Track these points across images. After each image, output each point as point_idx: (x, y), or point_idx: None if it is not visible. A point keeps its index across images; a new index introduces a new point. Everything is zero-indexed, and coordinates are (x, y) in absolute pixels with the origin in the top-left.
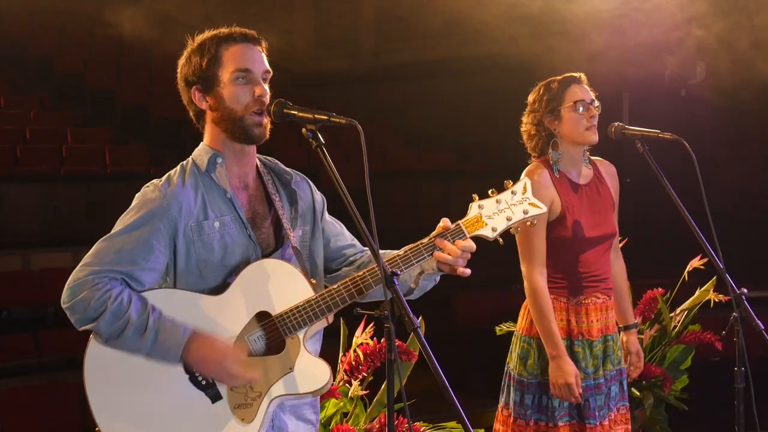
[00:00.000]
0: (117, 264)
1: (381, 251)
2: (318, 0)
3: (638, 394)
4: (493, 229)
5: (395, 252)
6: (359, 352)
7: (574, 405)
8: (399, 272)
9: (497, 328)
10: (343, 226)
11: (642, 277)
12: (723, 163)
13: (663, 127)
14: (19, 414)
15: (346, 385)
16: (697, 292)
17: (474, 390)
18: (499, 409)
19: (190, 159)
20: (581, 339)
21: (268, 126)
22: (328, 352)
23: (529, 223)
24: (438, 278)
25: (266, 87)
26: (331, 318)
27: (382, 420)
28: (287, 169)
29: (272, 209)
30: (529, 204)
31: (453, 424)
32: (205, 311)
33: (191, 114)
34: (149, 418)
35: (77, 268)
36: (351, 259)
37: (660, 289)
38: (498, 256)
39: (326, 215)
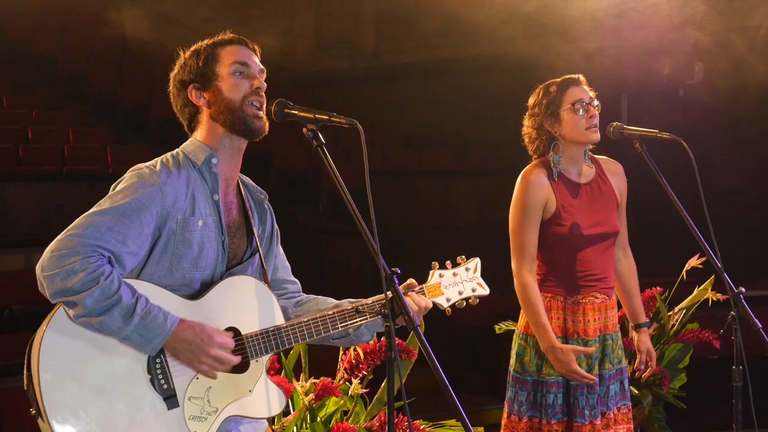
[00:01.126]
0: (108, 242)
1: (326, 297)
2: (318, 1)
3: (637, 392)
4: (447, 299)
5: (349, 301)
6: (359, 350)
7: (567, 403)
8: (399, 271)
9: (496, 327)
10: (289, 265)
11: (641, 276)
12: (721, 163)
13: (661, 127)
14: (21, 412)
15: (347, 383)
16: (695, 291)
17: (473, 388)
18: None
19: (180, 152)
20: (576, 338)
21: (266, 122)
22: (329, 351)
23: (471, 300)
24: (374, 335)
25: (263, 83)
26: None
27: (383, 418)
28: (259, 188)
29: (247, 221)
30: (477, 284)
31: (452, 422)
32: (178, 313)
33: (184, 119)
34: (99, 411)
35: (62, 236)
36: (290, 294)
37: (658, 288)
38: (497, 255)
39: (279, 246)
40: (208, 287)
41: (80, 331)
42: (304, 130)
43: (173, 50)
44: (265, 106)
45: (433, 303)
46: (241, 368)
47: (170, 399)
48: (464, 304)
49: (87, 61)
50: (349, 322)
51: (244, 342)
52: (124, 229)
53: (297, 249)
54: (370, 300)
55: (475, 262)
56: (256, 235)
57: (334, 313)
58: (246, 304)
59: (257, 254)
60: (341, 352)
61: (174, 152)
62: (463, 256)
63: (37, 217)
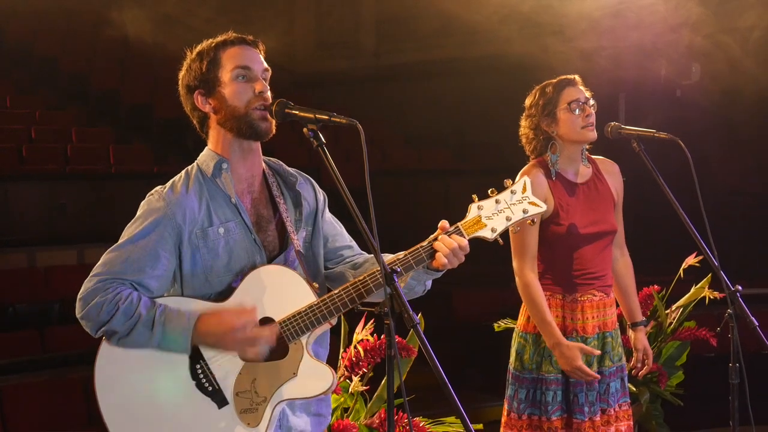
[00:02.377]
0: (125, 273)
1: (383, 254)
2: (319, 2)
3: (634, 389)
4: (493, 230)
5: (394, 255)
6: (359, 348)
7: (566, 400)
8: (399, 269)
9: (495, 325)
10: (342, 226)
11: (638, 275)
12: (717, 162)
13: (659, 127)
14: (25, 408)
15: (347, 380)
16: (692, 290)
17: (472, 386)
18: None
19: (194, 165)
20: (575, 336)
21: (273, 121)
22: (329, 348)
23: (529, 222)
24: (426, 284)
25: (267, 86)
26: (333, 321)
27: (382, 415)
28: (291, 170)
29: (277, 212)
30: (529, 203)
31: (452, 419)
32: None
33: (195, 122)
34: (158, 425)
35: (87, 279)
36: (348, 260)
37: (656, 287)
38: (497, 253)
39: (327, 214)
40: (233, 288)
41: (123, 359)
42: (305, 129)
43: (175, 50)
44: (270, 105)
45: (476, 238)
46: (281, 354)
47: (219, 399)
48: (518, 229)
49: (89, 62)
50: (375, 288)
51: (279, 328)
52: (137, 257)
53: None
54: (402, 254)
55: (523, 182)
56: (288, 223)
57: (364, 277)
58: (273, 292)
59: (291, 243)
60: (341, 350)
61: (189, 167)
62: (510, 180)
63: (40, 215)
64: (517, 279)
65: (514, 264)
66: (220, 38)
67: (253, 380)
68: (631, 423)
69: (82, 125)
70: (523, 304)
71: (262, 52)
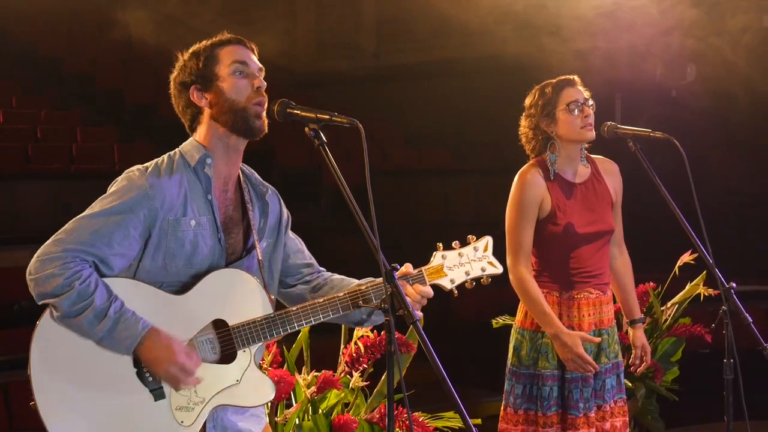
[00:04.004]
0: (91, 245)
1: (343, 277)
2: (319, 3)
3: (630, 385)
4: (452, 281)
5: (356, 284)
6: (360, 344)
7: (562, 396)
8: (399, 267)
9: (494, 322)
10: (303, 244)
11: (634, 272)
12: (713, 161)
13: (654, 127)
14: (30, 404)
15: (348, 376)
16: (687, 287)
17: (471, 381)
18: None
19: (177, 151)
20: None
21: (266, 121)
22: (330, 345)
23: (483, 280)
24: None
25: (264, 83)
26: (281, 336)
27: (383, 410)
28: (263, 181)
29: (245, 217)
30: (488, 262)
31: (451, 414)
32: (164, 308)
33: (186, 120)
34: (89, 406)
35: (49, 241)
36: (307, 278)
37: (651, 284)
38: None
39: (290, 232)
40: (194, 283)
41: (67, 333)
42: (306, 129)
43: (177, 51)
44: (266, 104)
45: (436, 285)
46: (228, 359)
47: (156, 391)
48: (474, 284)
49: (93, 62)
50: (341, 311)
51: (231, 333)
52: (109, 231)
53: None
54: (365, 285)
55: (485, 241)
56: (254, 230)
57: (324, 301)
58: (233, 296)
59: (255, 249)
60: (342, 346)
61: (172, 152)
62: (473, 236)
63: (45, 214)
64: (510, 275)
65: (508, 261)
66: (216, 38)
67: None
68: (627, 419)
69: (87, 125)
70: (521, 301)
71: (256, 54)
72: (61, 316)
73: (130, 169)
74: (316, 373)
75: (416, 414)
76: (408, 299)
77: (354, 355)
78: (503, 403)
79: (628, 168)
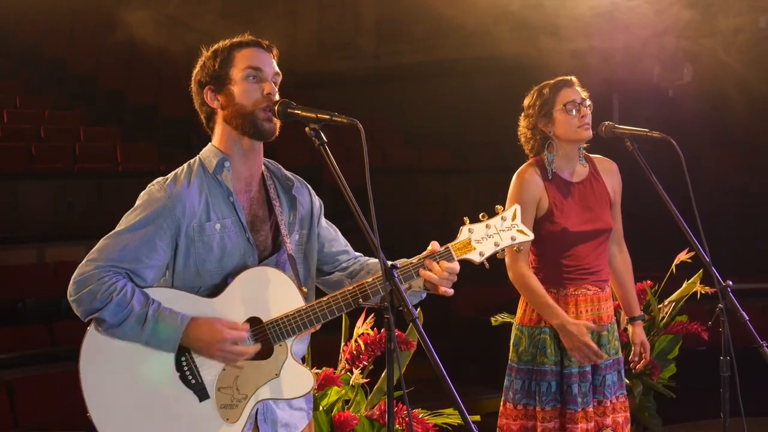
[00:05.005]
0: (121, 261)
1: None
2: (320, 5)
3: (628, 381)
4: (481, 254)
5: (399, 262)
6: (360, 341)
7: (560, 391)
8: (399, 265)
9: (493, 319)
10: (338, 231)
11: (632, 270)
12: (709, 161)
13: (651, 126)
14: (35, 401)
15: (348, 373)
16: (684, 285)
17: (470, 378)
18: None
19: (197, 159)
20: None
21: (278, 123)
22: (330, 343)
23: (515, 248)
24: (424, 295)
25: (275, 89)
26: (318, 326)
27: (383, 407)
28: (289, 174)
29: (272, 214)
30: (518, 231)
31: (450, 410)
32: (201, 311)
33: (202, 117)
34: (138, 411)
35: (82, 263)
36: (344, 264)
37: (649, 282)
38: None
39: (323, 220)
40: (227, 285)
41: (109, 346)
42: (307, 129)
43: (179, 52)
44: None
45: (465, 260)
46: (265, 354)
47: (200, 392)
48: (504, 254)
49: (96, 63)
50: (371, 296)
51: (265, 329)
52: (135, 246)
53: None
54: (410, 260)
55: (513, 209)
56: (282, 226)
57: (354, 288)
58: (264, 293)
59: (284, 245)
60: (342, 344)
61: (192, 160)
62: (501, 206)
63: (49, 213)
64: (509, 272)
65: (507, 259)
66: (236, 39)
67: (236, 377)
68: (628, 414)
69: (90, 125)
70: (521, 297)
71: (275, 57)
72: (106, 327)
73: (152, 182)
74: (317, 370)
75: (416, 411)
76: (435, 276)
77: (354, 352)
78: (503, 398)
79: (625, 167)
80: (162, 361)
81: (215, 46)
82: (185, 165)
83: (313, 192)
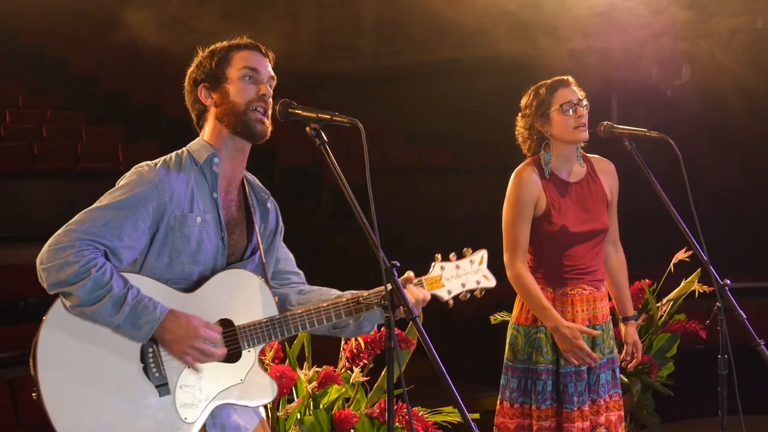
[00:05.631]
0: (102, 237)
1: (330, 288)
2: (321, 6)
3: (626, 380)
4: (449, 292)
5: (357, 292)
6: (360, 340)
7: (556, 390)
8: (398, 264)
9: (491, 318)
10: (293, 256)
11: (630, 269)
12: (707, 160)
13: (650, 126)
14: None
15: (348, 371)
16: (682, 284)
17: (469, 376)
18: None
19: (185, 150)
20: None
21: (270, 126)
22: (331, 341)
23: (477, 292)
24: (374, 326)
25: (270, 91)
26: (286, 337)
27: (383, 405)
28: (264, 187)
29: (248, 219)
30: (483, 276)
31: (450, 408)
32: (174, 304)
33: (193, 114)
34: (92, 399)
35: (60, 231)
36: (293, 284)
37: (647, 281)
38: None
39: (281, 241)
40: (204, 281)
41: (76, 323)
42: (307, 128)
43: (180, 52)
44: (269, 111)
45: (434, 295)
46: (233, 358)
47: (162, 387)
48: (468, 296)
49: (99, 63)
50: (343, 315)
51: (237, 333)
52: (119, 224)
53: (300, 242)
54: (366, 293)
55: (481, 255)
56: (257, 232)
57: (329, 305)
58: (240, 296)
59: (258, 251)
60: (343, 342)
61: (180, 150)
62: (470, 249)
63: (51, 212)
64: (508, 272)
65: (505, 257)
66: (234, 41)
67: (200, 377)
68: (622, 413)
69: (92, 124)
70: (517, 296)
71: (271, 62)
72: (75, 304)
73: (140, 164)
74: (317, 369)
75: (415, 409)
76: (408, 296)
77: (354, 351)
78: (500, 397)
79: (624, 167)
80: (128, 349)
81: (213, 47)
82: (173, 154)
83: (279, 213)
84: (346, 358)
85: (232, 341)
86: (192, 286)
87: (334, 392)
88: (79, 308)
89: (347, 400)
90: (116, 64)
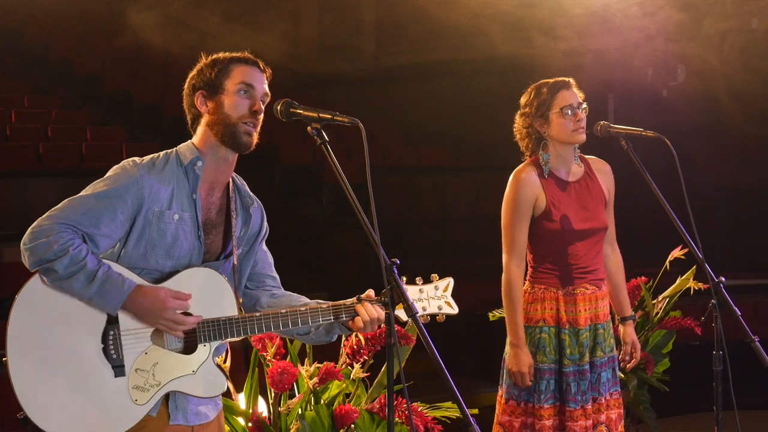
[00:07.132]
0: (81, 223)
1: (301, 296)
2: (322, 7)
3: (623, 376)
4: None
5: (316, 302)
6: (361, 336)
7: (559, 389)
8: (398, 261)
9: (490, 315)
10: (272, 260)
11: (626, 267)
12: (702, 159)
13: (646, 126)
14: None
15: (349, 367)
16: (677, 281)
17: (468, 372)
18: (498, 391)
19: (174, 150)
20: (569, 327)
21: (256, 139)
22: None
23: (439, 317)
24: (335, 337)
25: (262, 108)
26: (242, 337)
27: (383, 400)
28: (251, 194)
29: (227, 222)
30: (445, 302)
31: (449, 404)
32: None
33: (188, 118)
34: (53, 368)
35: (42, 217)
36: (267, 287)
37: (643, 278)
38: (492, 247)
39: (264, 245)
40: (172, 275)
41: (45, 303)
42: (309, 128)
43: (183, 53)
44: (259, 127)
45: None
46: (188, 350)
47: (118, 368)
48: (429, 319)
49: (103, 64)
50: (300, 323)
51: (196, 327)
52: (98, 213)
53: (301, 240)
54: (326, 304)
55: (447, 282)
56: (234, 237)
57: (287, 312)
58: (204, 293)
59: (232, 255)
60: (344, 339)
61: (169, 150)
62: (437, 275)
63: None
64: (503, 274)
65: (503, 258)
66: (236, 54)
67: (154, 363)
68: (622, 410)
69: (96, 125)
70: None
71: (268, 78)
72: (54, 278)
73: (126, 159)
74: (318, 365)
75: (415, 404)
76: (366, 316)
77: (355, 347)
78: (504, 396)
79: (620, 166)
80: (91, 329)
81: (215, 56)
82: (162, 153)
83: (265, 216)
84: (347, 354)
85: (190, 334)
86: (163, 278)
87: (334, 388)
88: (57, 282)
89: (348, 395)
90: (120, 65)
